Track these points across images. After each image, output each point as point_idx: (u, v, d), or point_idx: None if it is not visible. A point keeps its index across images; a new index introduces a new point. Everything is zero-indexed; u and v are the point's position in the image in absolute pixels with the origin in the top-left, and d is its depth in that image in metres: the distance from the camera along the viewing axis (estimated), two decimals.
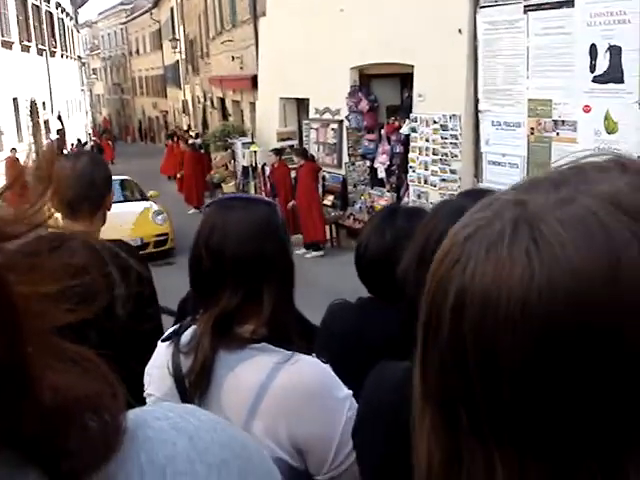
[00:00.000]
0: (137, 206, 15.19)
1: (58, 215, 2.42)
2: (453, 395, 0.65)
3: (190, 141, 24.17)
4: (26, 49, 28.91)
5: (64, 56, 40.04)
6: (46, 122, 31.16)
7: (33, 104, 28.37)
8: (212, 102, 28.68)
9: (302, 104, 16.37)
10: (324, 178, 14.31)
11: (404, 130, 11.54)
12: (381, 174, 12.88)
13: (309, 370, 1.76)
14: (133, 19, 56.90)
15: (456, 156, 10.09)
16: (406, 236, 2.05)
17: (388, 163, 12.57)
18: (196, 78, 33.42)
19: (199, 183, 20.54)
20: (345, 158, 13.82)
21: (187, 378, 1.76)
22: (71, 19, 45.20)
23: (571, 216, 0.62)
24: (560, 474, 0.61)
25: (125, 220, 12.56)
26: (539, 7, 8.35)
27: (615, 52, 7.37)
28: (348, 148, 13.68)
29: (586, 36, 7.68)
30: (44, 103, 31.13)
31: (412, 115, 11.14)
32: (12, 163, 16.76)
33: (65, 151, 30.78)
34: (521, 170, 8.86)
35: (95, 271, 0.68)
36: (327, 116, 14.49)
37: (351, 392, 1.79)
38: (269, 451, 1.59)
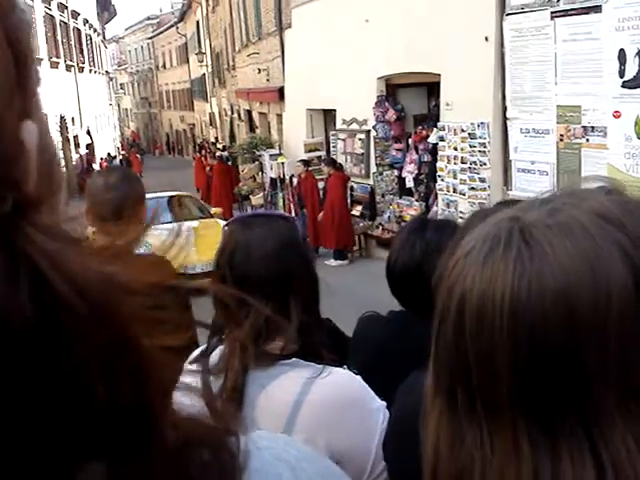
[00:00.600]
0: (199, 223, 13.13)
1: (91, 229, 2.43)
2: (456, 380, 0.77)
3: (217, 153, 24.29)
4: (55, 65, 29.24)
5: (92, 71, 40.46)
6: (75, 137, 31.47)
7: (62, 120, 28.67)
8: (239, 114, 28.83)
9: (329, 115, 16.40)
10: (352, 188, 14.30)
11: (432, 139, 11.50)
12: (409, 183, 12.85)
13: (342, 382, 1.75)
14: (159, 33, 57.45)
15: (485, 164, 10.03)
16: (436, 249, 2.03)
17: (416, 172, 12.54)
18: (222, 91, 33.63)
19: (228, 195, 20.64)
20: (373, 168, 13.80)
21: None
22: (98, 35, 45.70)
23: (559, 223, 0.72)
24: (545, 429, 0.72)
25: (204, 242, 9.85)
26: (566, 13, 8.29)
27: None
28: (376, 158, 13.67)
29: (614, 41, 7.61)
30: (73, 118, 31.45)
31: (440, 124, 11.10)
32: None
33: (95, 165, 31.13)
34: (551, 177, 8.78)
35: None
36: (354, 126, 14.49)
37: (384, 403, 1.78)
38: None
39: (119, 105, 66.64)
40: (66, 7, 32.60)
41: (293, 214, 14.02)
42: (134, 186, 2.70)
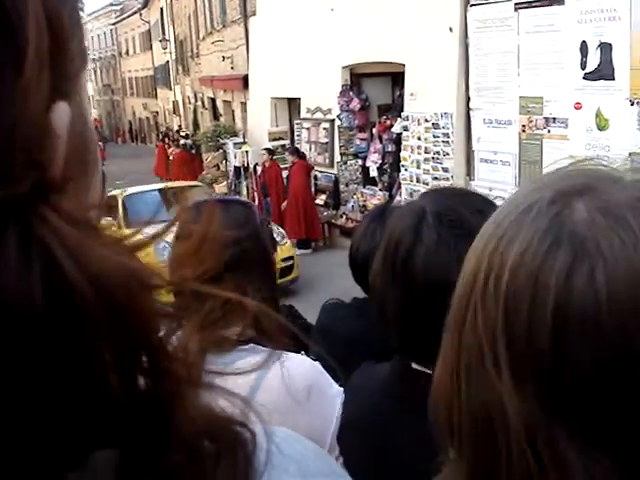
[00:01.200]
0: None
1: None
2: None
3: (181, 142, 24.13)
4: None
5: None
6: None
7: None
8: (203, 102, 28.63)
9: (293, 103, 16.36)
10: (316, 177, 14.30)
11: (396, 129, 11.54)
12: (373, 173, 12.88)
13: (299, 368, 1.74)
14: (123, 20, 56.80)
15: (448, 154, 10.08)
16: None
17: (380, 162, 12.58)
18: (186, 78, 33.36)
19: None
20: (337, 157, 13.81)
21: None
22: None
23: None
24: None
25: None
26: (530, 5, 8.36)
27: (606, 49, 7.38)
28: (340, 147, 13.68)
29: (577, 33, 7.69)
30: None
31: (404, 114, 11.14)
32: None
33: None
34: (513, 168, 8.86)
35: None
36: (318, 115, 14.48)
37: (342, 389, 1.77)
38: None
39: None
40: None
41: (257, 202, 13.97)
42: None
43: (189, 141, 24.53)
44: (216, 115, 25.43)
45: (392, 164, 12.09)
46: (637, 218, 0.66)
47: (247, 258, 1.78)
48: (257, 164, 16.17)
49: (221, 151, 19.90)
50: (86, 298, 0.42)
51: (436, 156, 10.31)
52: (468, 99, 9.62)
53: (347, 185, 13.58)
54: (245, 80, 19.21)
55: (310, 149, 14.73)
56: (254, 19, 18.20)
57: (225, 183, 19.34)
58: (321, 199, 14.08)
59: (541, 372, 0.67)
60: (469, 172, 9.78)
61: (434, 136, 10.30)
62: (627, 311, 0.63)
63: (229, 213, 1.83)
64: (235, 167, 18.40)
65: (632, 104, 7.14)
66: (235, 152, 18.30)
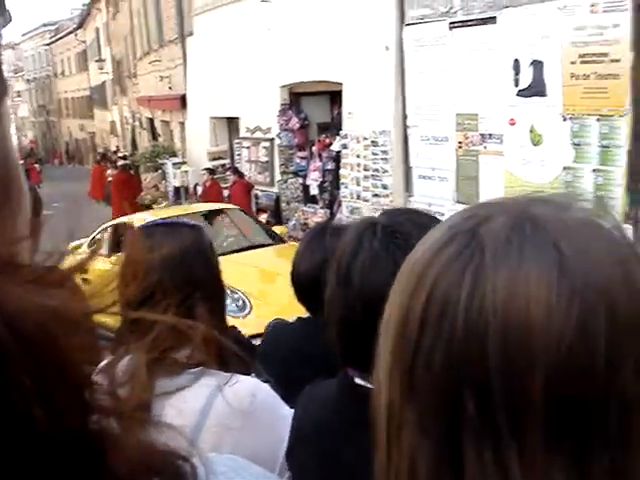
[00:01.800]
0: (268, 254, 8.87)
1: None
2: (464, 385, 0.64)
3: (119, 162, 23.82)
4: None
5: None
6: None
7: None
8: (141, 123, 28.38)
9: (232, 123, 16.35)
10: (257, 196, 14.29)
11: (335, 147, 11.61)
12: (313, 191, 12.92)
13: (249, 390, 1.74)
14: (58, 40, 56.06)
15: (387, 171, 10.18)
16: (334, 254, 2.06)
17: (320, 180, 12.62)
18: (124, 99, 33.05)
19: (132, 205, 20.23)
20: (277, 176, 13.83)
21: None
22: None
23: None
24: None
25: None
26: (464, 24, 8.51)
27: (538, 66, 7.55)
28: (280, 166, 13.70)
29: (510, 51, 7.84)
30: None
31: (342, 132, 11.22)
32: None
33: None
34: (451, 183, 8.97)
35: None
36: (258, 134, 14.49)
37: (292, 411, 1.78)
38: None
39: (15, 113, 64.72)
40: None
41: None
42: None
43: (128, 161, 24.28)
44: (154, 135, 25.22)
45: (332, 182, 12.15)
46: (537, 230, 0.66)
47: (197, 281, 1.78)
48: (197, 184, 16.07)
49: (160, 171, 19.73)
50: (3, 342, 0.41)
51: (375, 173, 10.39)
52: (405, 117, 9.72)
53: (288, 203, 13.60)
54: (183, 100, 19.14)
55: (250, 168, 14.72)
56: (191, 39, 18.16)
57: (165, 204, 19.16)
58: (263, 218, 14.05)
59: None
60: (408, 188, 9.87)
61: (373, 153, 10.38)
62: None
63: (175, 236, 1.83)
64: (175, 187, 18.27)
65: (565, 120, 7.30)
66: (174, 172, 18.18)
